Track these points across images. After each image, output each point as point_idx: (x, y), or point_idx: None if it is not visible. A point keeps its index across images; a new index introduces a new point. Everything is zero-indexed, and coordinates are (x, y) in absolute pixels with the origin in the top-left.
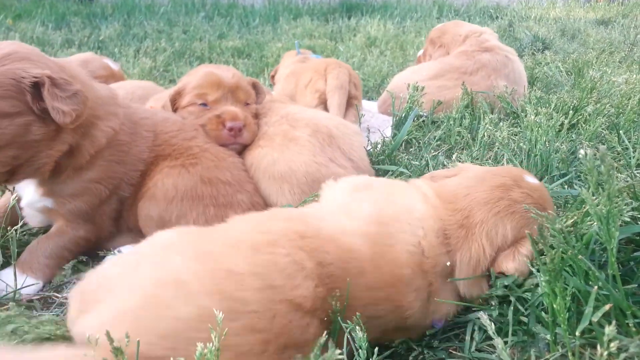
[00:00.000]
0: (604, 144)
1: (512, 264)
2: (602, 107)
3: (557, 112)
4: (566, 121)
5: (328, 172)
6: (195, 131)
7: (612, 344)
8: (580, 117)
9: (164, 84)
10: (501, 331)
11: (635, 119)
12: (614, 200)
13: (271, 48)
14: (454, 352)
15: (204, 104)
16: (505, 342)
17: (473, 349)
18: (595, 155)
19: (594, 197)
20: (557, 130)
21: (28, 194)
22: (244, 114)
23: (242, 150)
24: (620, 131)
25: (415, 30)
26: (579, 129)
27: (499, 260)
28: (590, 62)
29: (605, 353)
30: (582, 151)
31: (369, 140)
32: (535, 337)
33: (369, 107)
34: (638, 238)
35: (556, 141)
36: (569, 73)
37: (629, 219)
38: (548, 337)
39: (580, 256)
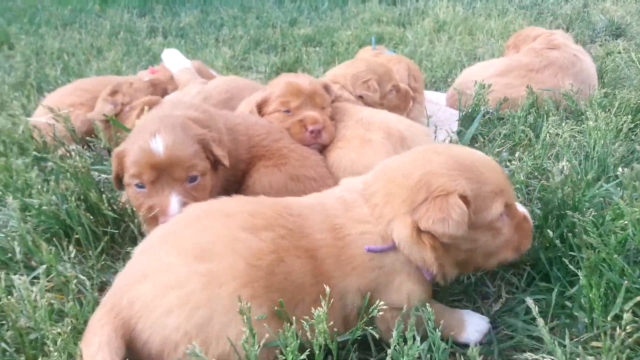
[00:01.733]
0: None
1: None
2: None
3: (620, 113)
4: (628, 121)
5: None
6: (281, 133)
7: (628, 327)
8: None
9: (242, 72)
10: (547, 315)
11: None
12: None
13: (341, 35)
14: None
15: (287, 111)
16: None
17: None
18: (632, 171)
19: (627, 204)
20: (617, 131)
21: None
22: (322, 117)
23: (322, 149)
24: None
25: (486, 12)
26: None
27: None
28: None
29: (623, 333)
30: (620, 169)
31: (435, 137)
32: (576, 319)
33: (436, 98)
34: None
35: (615, 142)
36: None
37: None
38: (586, 320)
39: (615, 255)
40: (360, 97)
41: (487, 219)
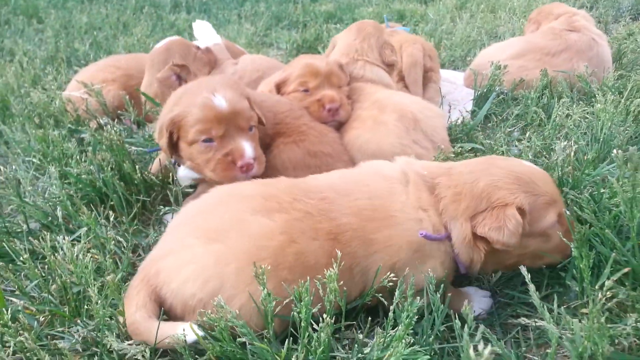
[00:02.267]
0: None
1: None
2: None
3: (632, 96)
4: (636, 103)
5: (412, 152)
6: (301, 111)
7: (608, 292)
8: None
9: (264, 49)
10: (541, 284)
11: None
12: (636, 190)
13: (362, 12)
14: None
15: (306, 90)
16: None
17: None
18: (625, 154)
19: (621, 184)
20: (625, 114)
21: (184, 169)
22: (339, 95)
23: (339, 126)
24: None
25: None
26: None
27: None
28: None
29: (603, 298)
30: (615, 151)
31: (449, 117)
32: (568, 288)
33: (453, 78)
34: None
35: (623, 125)
36: None
37: None
38: (577, 288)
39: (607, 230)
40: (391, 64)
41: (541, 228)
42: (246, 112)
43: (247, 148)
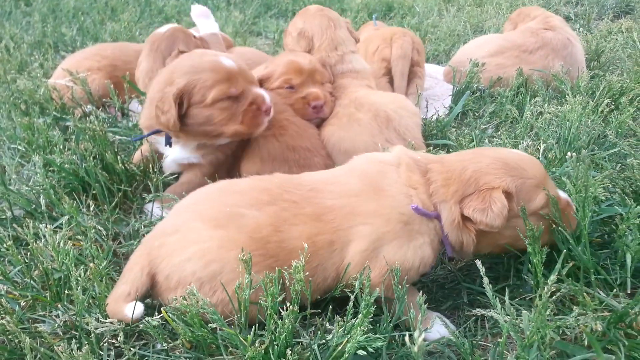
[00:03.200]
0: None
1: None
2: None
3: (603, 96)
4: (604, 104)
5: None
6: (284, 105)
7: (552, 287)
8: (627, 98)
9: (251, 38)
10: (499, 278)
11: None
12: (589, 191)
13: (350, 3)
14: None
15: (291, 87)
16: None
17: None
18: (579, 157)
19: (574, 185)
20: (594, 115)
21: (175, 152)
22: (324, 93)
23: (321, 122)
24: None
25: None
26: (615, 115)
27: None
28: None
29: (549, 292)
30: (568, 154)
31: (427, 110)
32: (525, 281)
33: (435, 72)
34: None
35: (589, 126)
36: None
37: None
38: (532, 282)
39: (560, 228)
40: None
41: (532, 209)
42: (248, 69)
43: (265, 93)
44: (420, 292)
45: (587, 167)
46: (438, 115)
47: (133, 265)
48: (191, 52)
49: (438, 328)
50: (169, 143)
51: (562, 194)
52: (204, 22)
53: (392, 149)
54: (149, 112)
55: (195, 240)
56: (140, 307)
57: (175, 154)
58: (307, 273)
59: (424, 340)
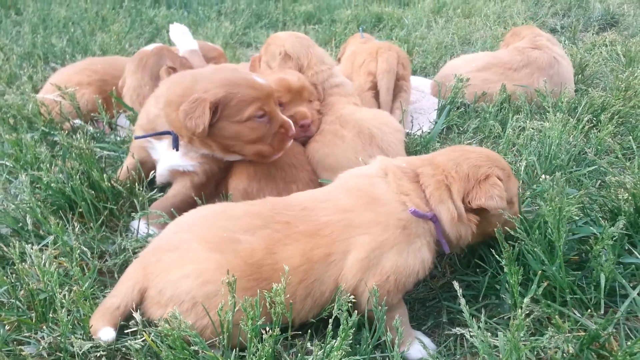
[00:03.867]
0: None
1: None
2: (626, 109)
3: (584, 112)
4: (585, 122)
5: None
6: None
7: (526, 309)
8: (606, 115)
9: (241, 49)
10: (478, 296)
11: None
12: (562, 212)
13: (340, 14)
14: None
15: (279, 105)
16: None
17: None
18: (552, 179)
19: (548, 207)
20: (574, 132)
21: (172, 159)
22: (311, 111)
23: (307, 140)
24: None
25: None
26: (595, 131)
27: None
28: None
29: (523, 314)
30: (543, 176)
31: (412, 125)
32: (503, 300)
33: (422, 85)
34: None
35: (570, 143)
36: (625, 55)
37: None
38: (510, 301)
39: (535, 249)
40: None
41: (509, 196)
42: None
43: (290, 121)
44: (397, 315)
45: (561, 190)
46: (422, 130)
47: (126, 280)
48: (221, 65)
49: (419, 347)
50: (176, 146)
51: None
52: (183, 40)
53: (372, 161)
54: (157, 114)
55: (194, 260)
56: (112, 334)
57: (172, 160)
58: (302, 291)
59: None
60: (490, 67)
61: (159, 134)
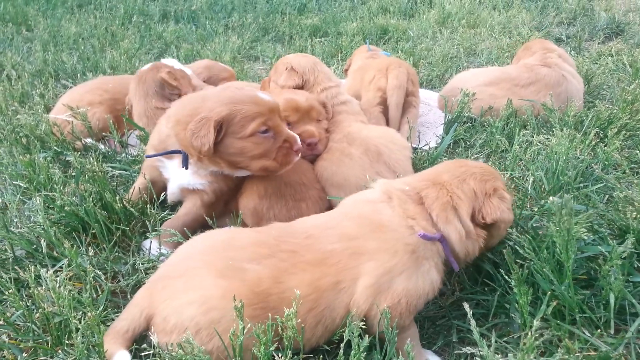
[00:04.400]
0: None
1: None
2: (633, 122)
3: (592, 126)
4: (592, 135)
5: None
6: None
7: (535, 332)
8: (613, 129)
9: (249, 63)
10: (488, 315)
11: None
12: (571, 233)
13: (346, 27)
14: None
15: (287, 124)
16: (488, 322)
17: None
18: (561, 201)
19: (557, 229)
20: (581, 146)
21: (182, 177)
22: (318, 130)
23: (315, 159)
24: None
25: (491, 4)
26: (602, 146)
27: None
28: None
29: (533, 337)
30: (550, 198)
31: (419, 140)
32: (513, 319)
33: (428, 98)
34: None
35: (577, 159)
36: (631, 66)
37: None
38: (519, 321)
39: (544, 269)
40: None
41: None
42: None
43: (296, 135)
44: (408, 337)
45: (569, 211)
46: (429, 146)
47: (134, 305)
48: (228, 84)
49: None
50: (186, 165)
51: None
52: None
53: (374, 184)
54: (168, 134)
55: (199, 287)
56: (127, 357)
57: (182, 179)
58: (312, 319)
59: None
60: (497, 82)
61: (169, 153)
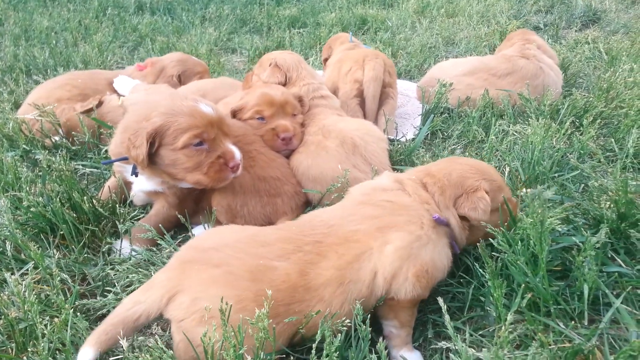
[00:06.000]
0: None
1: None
2: (609, 110)
3: (567, 114)
4: (568, 124)
5: (351, 176)
6: (254, 136)
7: (510, 326)
8: (588, 118)
9: (226, 55)
10: (464, 308)
11: (639, 121)
12: (545, 225)
13: (325, 17)
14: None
15: (262, 118)
16: (464, 316)
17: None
18: (534, 194)
19: (530, 221)
20: (557, 135)
21: (141, 182)
22: (293, 125)
23: (290, 153)
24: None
25: None
26: (578, 135)
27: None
28: (625, 49)
29: (507, 331)
30: (524, 190)
31: (396, 132)
32: (487, 313)
33: (407, 89)
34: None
35: (552, 148)
36: (607, 53)
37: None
38: (494, 314)
39: (518, 261)
40: None
41: (496, 206)
42: (227, 118)
43: (236, 150)
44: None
45: (542, 203)
46: (406, 138)
47: (156, 289)
48: (175, 93)
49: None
50: (135, 173)
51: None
52: (126, 87)
53: (378, 177)
54: (121, 140)
55: (234, 285)
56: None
57: (140, 185)
58: (337, 300)
59: None
60: (475, 72)
61: (122, 160)
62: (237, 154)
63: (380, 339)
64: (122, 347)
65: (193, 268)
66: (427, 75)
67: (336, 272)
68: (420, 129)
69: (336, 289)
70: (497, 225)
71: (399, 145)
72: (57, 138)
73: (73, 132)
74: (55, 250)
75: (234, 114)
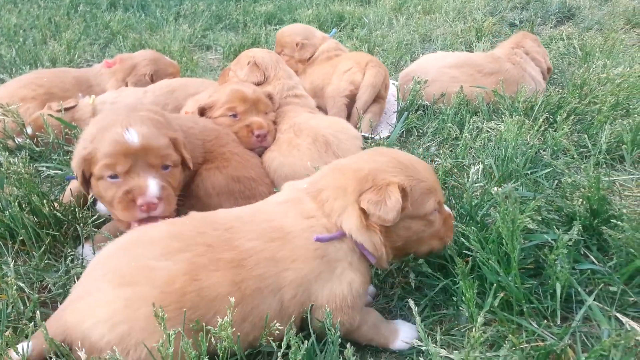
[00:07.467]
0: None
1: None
2: (582, 106)
3: (542, 111)
4: (542, 120)
5: None
6: (228, 137)
7: (481, 328)
8: (562, 114)
9: (201, 53)
10: (437, 306)
11: (612, 117)
12: (516, 224)
13: (301, 14)
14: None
15: (234, 115)
16: (436, 315)
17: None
18: (505, 192)
19: (502, 219)
20: (532, 131)
21: None
22: (267, 122)
23: (263, 151)
24: (586, 135)
25: None
26: (552, 131)
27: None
28: (599, 46)
29: (478, 333)
30: (495, 189)
31: (371, 129)
32: (460, 312)
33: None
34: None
35: (526, 145)
36: (581, 49)
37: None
38: (466, 313)
39: (490, 260)
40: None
41: (422, 212)
42: (161, 149)
43: (152, 186)
44: (350, 345)
45: (513, 201)
46: (380, 136)
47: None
48: (113, 112)
49: (405, 336)
50: (86, 190)
51: (445, 207)
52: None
53: (282, 188)
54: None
55: (102, 302)
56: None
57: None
58: (237, 316)
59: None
60: (462, 65)
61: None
62: (152, 190)
63: (348, 345)
64: None
65: (66, 313)
66: (413, 65)
67: (234, 293)
68: (395, 126)
69: (235, 308)
70: (426, 237)
71: (372, 145)
72: (20, 140)
73: (37, 133)
74: (14, 257)
75: (202, 111)
